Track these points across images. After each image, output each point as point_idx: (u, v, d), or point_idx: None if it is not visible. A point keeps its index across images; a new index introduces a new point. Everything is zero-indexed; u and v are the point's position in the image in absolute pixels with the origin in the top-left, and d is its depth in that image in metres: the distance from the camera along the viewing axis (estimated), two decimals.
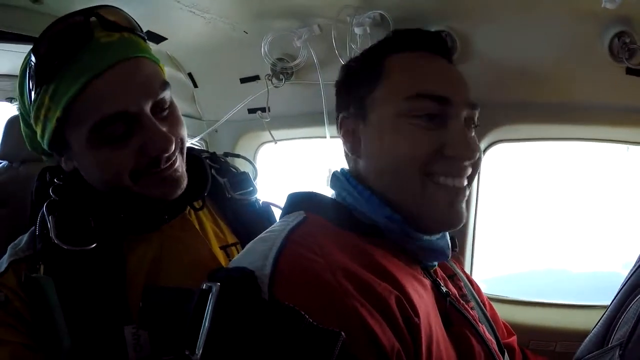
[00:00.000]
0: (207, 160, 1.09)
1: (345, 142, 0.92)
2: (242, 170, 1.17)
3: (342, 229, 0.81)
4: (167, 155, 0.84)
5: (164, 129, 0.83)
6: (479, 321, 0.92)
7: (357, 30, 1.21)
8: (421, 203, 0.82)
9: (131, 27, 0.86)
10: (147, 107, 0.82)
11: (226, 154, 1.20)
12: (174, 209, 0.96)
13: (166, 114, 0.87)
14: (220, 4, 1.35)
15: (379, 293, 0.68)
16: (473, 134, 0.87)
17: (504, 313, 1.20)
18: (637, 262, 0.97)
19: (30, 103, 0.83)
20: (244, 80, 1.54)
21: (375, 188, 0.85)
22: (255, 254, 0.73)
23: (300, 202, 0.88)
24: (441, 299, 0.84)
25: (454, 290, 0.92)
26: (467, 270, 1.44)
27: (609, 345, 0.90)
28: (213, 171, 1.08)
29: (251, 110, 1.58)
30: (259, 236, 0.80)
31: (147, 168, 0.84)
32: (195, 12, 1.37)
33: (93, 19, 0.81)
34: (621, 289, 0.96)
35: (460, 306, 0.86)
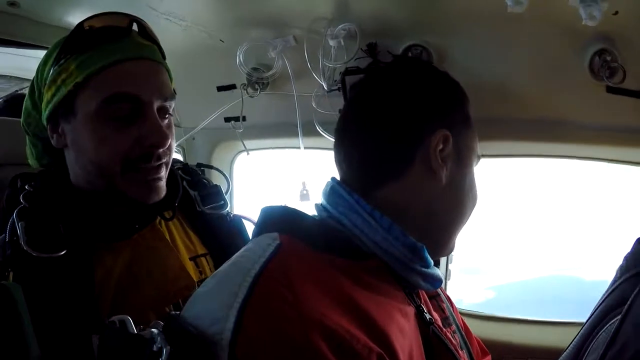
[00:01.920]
0: (179, 172, 1.09)
1: (440, 169, 0.80)
2: (215, 182, 1.16)
3: (323, 253, 0.74)
4: (160, 150, 0.88)
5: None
6: (461, 346, 0.90)
7: (331, 43, 1.20)
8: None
9: (160, 46, 0.97)
10: (155, 104, 0.89)
11: (199, 165, 1.19)
12: (144, 218, 0.96)
13: (167, 122, 0.93)
14: (195, 12, 1.34)
15: (357, 353, 0.62)
16: None
17: (477, 329, 1.19)
18: (609, 287, 0.96)
19: (51, 70, 0.89)
20: (220, 89, 1.53)
21: (420, 223, 0.81)
22: (220, 300, 0.67)
23: (276, 221, 0.81)
24: (424, 326, 0.80)
25: (436, 315, 0.89)
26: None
27: None
28: (184, 183, 1.07)
29: (227, 119, 1.57)
30: (228, 264, 0.75)
31: (138, 160, 0.87)
32: (171, 20, 1.36)
33: (134, 23, 0.93)
34: (593, 313, 0.95)
35: (442, 335, 0.83)
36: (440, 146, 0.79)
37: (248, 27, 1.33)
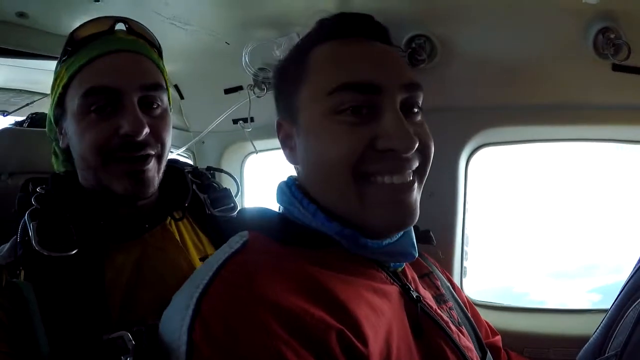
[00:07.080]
0: (189, 175, 1.10)
1: (283, 149, 0.85)
2: (225, 184, 1.17)
3: (289, 247, 0.76)
4: (138, 139, 0.87)
5: (145, 120, 0.88)
6: (459, 323, 0.88)
7: None
8: (361, 209, 0.75)
9: (150, 40, 0.99)
10: (135, 94, 0.89)
11: (209, 169, 1.20)
12: (154, 218, 0.97)
13: (156, 114, 0.93)
14: (200, 16, 1.35)
15: (309, 328, 0.62)
16: (419, 118, 0.78)
17: (497, 320, 1.17)
18: (636, 266, 0.94)
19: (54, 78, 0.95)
20: (228, 91, 1.54)
21: (317, 199, 0.79)
22: (185, 294, 0.69)
23: (247, 220, 0.85)
24: (411, 305, 0.79)
25: (426, 293, 0.88)
26: (457, 279, 1.40)
27: (606, 355, 0.86)
28: (194, 186, 1.08)
29: (235, 121, 1.57)
30: (202, 264, 0.78)
31: (118, 150, 0.88)
32: (177, 24, 1.37)
33: (120, 23, 0.95)
34: (620, 294, 0.93)
35: (433, 312, 0.81)
36: (282, 134, 0.86)
37: (252, 27, 1.33)
